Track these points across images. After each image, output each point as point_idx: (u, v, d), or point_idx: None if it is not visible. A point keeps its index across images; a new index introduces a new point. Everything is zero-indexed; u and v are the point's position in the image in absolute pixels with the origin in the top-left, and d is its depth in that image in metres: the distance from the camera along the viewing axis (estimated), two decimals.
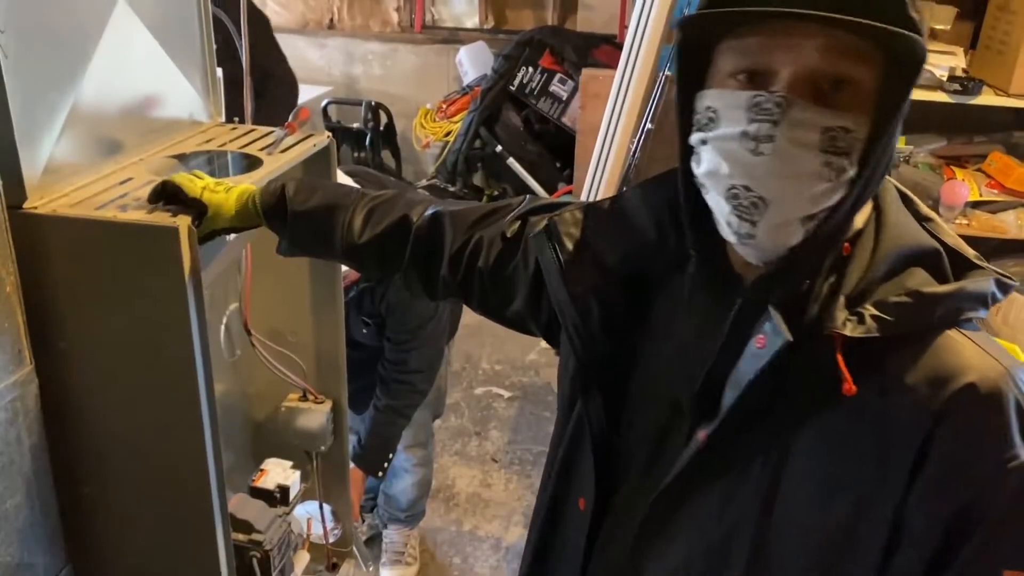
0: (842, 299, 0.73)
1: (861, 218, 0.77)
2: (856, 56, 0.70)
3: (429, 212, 1.07)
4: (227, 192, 1.11)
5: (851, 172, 0.71)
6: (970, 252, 0.78)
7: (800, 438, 0.76)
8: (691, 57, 0.77)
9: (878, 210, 0.78)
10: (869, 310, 0.72)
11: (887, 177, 0.79)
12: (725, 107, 0.73)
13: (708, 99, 0.75)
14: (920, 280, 0.74)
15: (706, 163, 0.75)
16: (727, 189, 0.73)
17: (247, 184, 1.13)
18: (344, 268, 2.00)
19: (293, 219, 1.10)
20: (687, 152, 0.78)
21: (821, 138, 0.70)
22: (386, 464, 2.31)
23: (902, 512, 0.74)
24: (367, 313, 2.23)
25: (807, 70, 0.70)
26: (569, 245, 0.89)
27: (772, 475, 0.77)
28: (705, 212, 0.78)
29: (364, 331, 2.27)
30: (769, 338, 0.73)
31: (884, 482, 0.73)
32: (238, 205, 1.10)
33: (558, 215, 0.91)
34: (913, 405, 0.72)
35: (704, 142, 0.75)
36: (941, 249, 0.77)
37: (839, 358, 0.71)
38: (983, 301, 0.75)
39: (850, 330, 0.71)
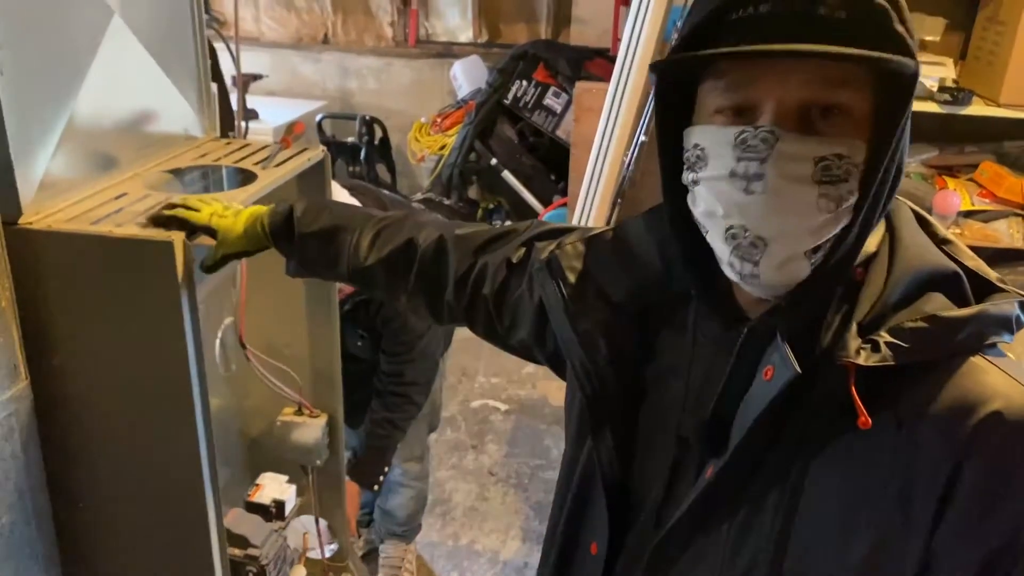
0: (855, 326, 0.69)
1: (874, 241, 0.74)
2: (844, 81, 0.67)
3: (435, 235, 1.05)
4: (235, 216, 1.11)
5: (852, 199, 0.69)
6: (992, 274, 0.74)
7: (813, 475, 0.72)
8: (672, 94, 0.75)
9: (892, 233, 0.75)
10: (884, 337, 0.68)
11: (901, 199, 0.76)
12: (712, 144, 0.71)
13: (695, 136, 0.73)
14: (938, 304, 0.70)
15: (702, 204, 0.73)
16: (725, 230, 0.71)
17: (255, 207, 1.13)
18: None
19: (300, 240, 1.09)
20: (673, 192, 0.76)
21: (814, 169, 0.67)
22: (381, 477, 2.30)
23: (930, 546, 0.69)
24: (363, 326, 2.22)
25: (794, 101, 0.67)
26: (572, 279, 0.86)
27: (785, 515, 0.73)
28: (705, 249, 0.76)
29: (359, 344, 2.26)
30: (777, 369, 0.70)
31: (908, 521, 0.69)
32: (246, 228, 1.10)
33: (559, 248, 0.88)
34: (935, 437, 0.68)
35: (696, 182, 0.73)
36: (960, 272, 0.72)
37: (852, 390, 0.67)
38: (1007, 325, 0.70)
39: (864, 359, 0.67)
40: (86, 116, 1.14)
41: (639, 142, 3.49)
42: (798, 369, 0.68)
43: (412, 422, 2.30)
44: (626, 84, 3.55)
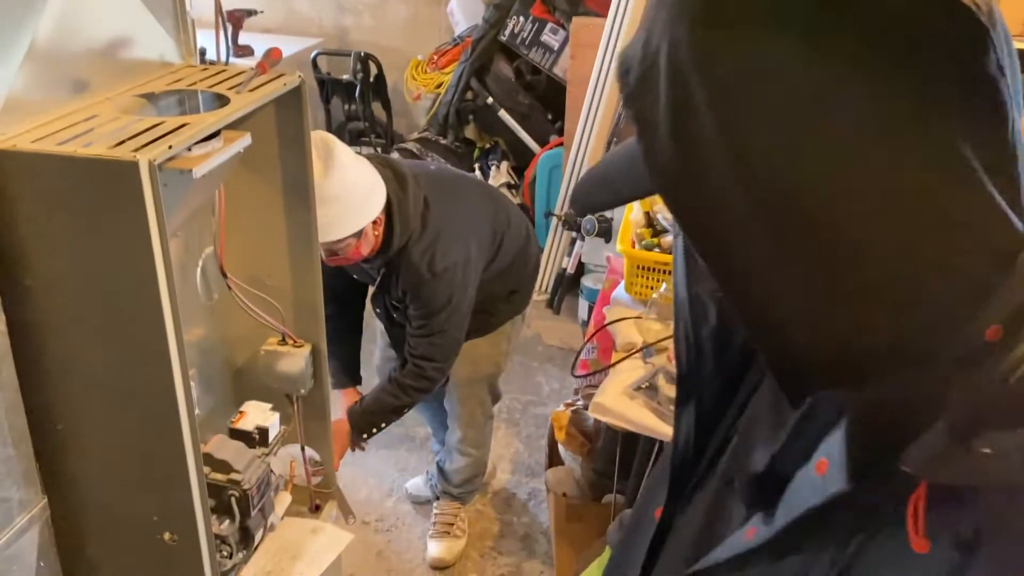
0: (944, 423, 0.50)
1: None
2: None
3: None
4: None
5: None
6: None
7: None
8: None
9: None
10: (983, 446, 0.49)
11: None
12: None
13: None
14: None
15: None
16: None
17: None
18: (344, 237, 2.02)
19: None
20: None
21: None
22: (374, 431, 2.29)
23: None
24: (395, 298, 2.26)
25: None
26: None
27: None
28: None
29: (395, 315, 2.32)
30: (831, 469, 0.57)
31: None
32: None
33: None
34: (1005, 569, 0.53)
35: None
36: None
37: (909, 507, 0.55)
38: None
39: (943, 472, 0.52)
40: (51, 37, 1.12)
41: None
42: (848, 487, 0.55)
43: (424, 395, 2.30)
44: (623, 17, 3.49)
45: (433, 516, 2.61)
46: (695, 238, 0.58)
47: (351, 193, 1.99)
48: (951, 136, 0.49)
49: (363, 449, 2.38)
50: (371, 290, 2.40)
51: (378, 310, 2.41)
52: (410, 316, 2.23)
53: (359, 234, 2.04)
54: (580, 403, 2.46)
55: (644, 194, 0.75)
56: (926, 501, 0.54)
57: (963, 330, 0.50)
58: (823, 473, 0.58)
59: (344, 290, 2.40)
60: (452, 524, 2.58)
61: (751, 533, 0.66)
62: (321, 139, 1.95)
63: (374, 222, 2.05)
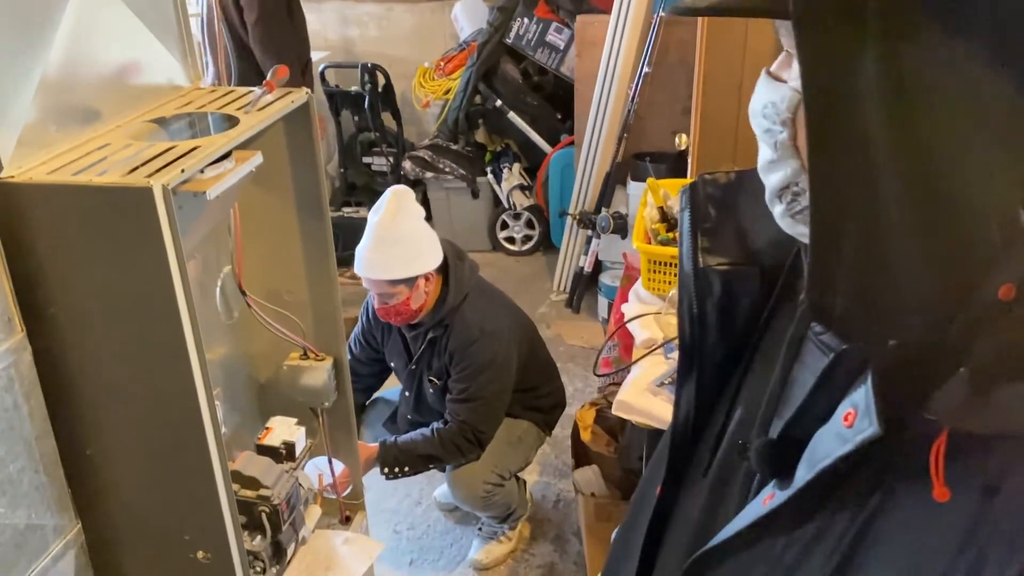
0: (966, 372, 0.52)
1: None
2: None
3: None
4: None
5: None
6: None
7: (875, 535, 0.60)
8: None
9: None
10: (1001, 394, 0.51)
11: None
12: None
13: None
14: None
15: None
16: None
17: None
18: (390, 295, 2.16)
19: None
20: None
21: (760, 112, 0.62)
22: (396, 470, 2.30)
23: None
24: (435, 372, 2.33)
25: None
26: (711, 210, 0.78)
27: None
28: None
29: (431, 391, 2.38)
30: (859, 417, 0.57)
31: None
32: None
33: (709, 173, 0.80)
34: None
35: None
36: None
37: (932, 455, 0.55)
38: None
39: (965, 420, 0.53)
40: (61, 70, 1.14)
41: (642, 73, 3.43)
42: (880, 430, 0.55)
43: (455, 457, 2.33)
44: (627, 13, 3.48)
45: (483, 519, 2.61)
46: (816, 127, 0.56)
47: (413, 242, 2.16)
48: None
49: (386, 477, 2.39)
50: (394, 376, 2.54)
51: (407, 393, 2.46)
52: (452, 385, 2.29)
53: (411, 284, 2.16)
54: (604, 401, 2.45)
55: None
56: (948, 448, 0.54)
57: (976, 290, 0.52)
58: (850, 424, 0.58)
59: (366, 375, 2.56)
60: (497, 532, 2.59)
61: (768, 499, 0.66)
62: (397, 191, 2.17)
63: (426, 278, 2.18)
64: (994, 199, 0.52)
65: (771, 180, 0.63)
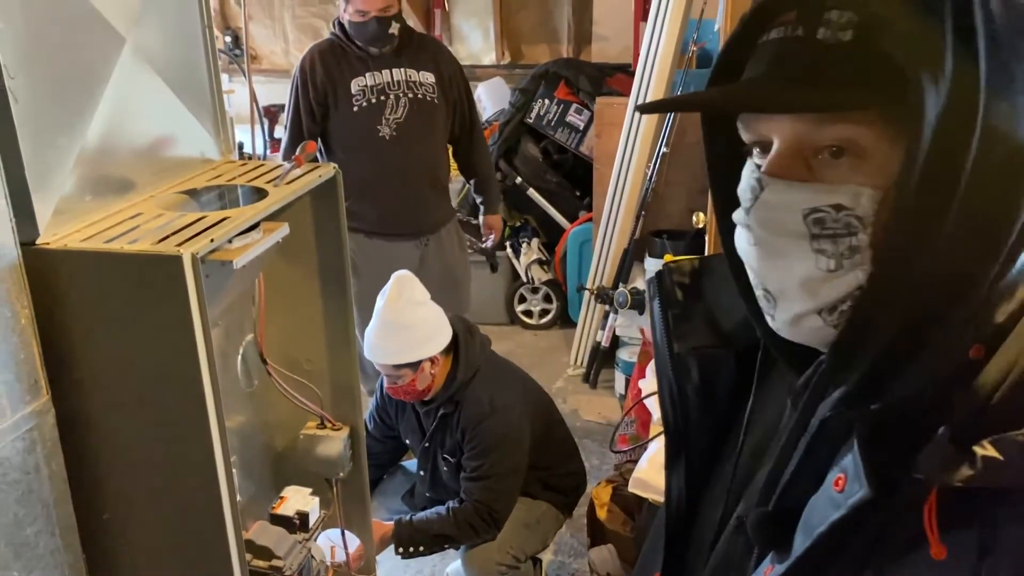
0: (946, 429, 0.53)
1: (1007, 309, 0.56)
2: (841, 116, 0.57)
3: None
4: None
5: (858, 256, 0.58)
6: None
7: None
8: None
9: None
10: (984, 450, 0.51)
11: None
12: (743, 181, 0.64)
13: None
14: None
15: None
16: (752, 279, 0.66)
17: None
18: (397, 377, 2.19)
19: None
20: (726, 230, 0.68)
21: (803, 221, 0.59)
22: (411, 549, 2.29)
23: None
24: (448, 450, 2.35)
25: (792, 141, 0.59)
26: (679, 296, 0.80)
27: None
28: None
29: (445, 469, 2.39)
30: (849, 481, 0.57)
31: None
32: None
33: (674, 263, 0.82)
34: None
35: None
36: None
37: (925, 512, 0.55)
38: None
39: (950, 476, 0.53)
40: (100, 142, 1.18)
41: (660, 153, 3.50)
42: (871, 491, 0.55)
43: (471, 537, 2.32)
44: (646, 96, 3.56)
45: None
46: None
47: (416, 327, 2.20)
48: None
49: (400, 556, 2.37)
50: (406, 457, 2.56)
51: (422, 472, 2.47)
52: (465, 462, 2.29)
53: (416, 367, 2.19)
54: (621, 479, 2.43)
55: None
56: (939, 506, 0.55)
57: (950, 347, 0.56)
58: (841, 489, 0.58)
59: (380, 452, 2.59)
60: None
61: (767, 572, 0.66)
62: (400, 278, 2.23)
63: (432, 360, 2.21)
64: (974, 267, 0.55)
65: (827, 294, 0.60)
